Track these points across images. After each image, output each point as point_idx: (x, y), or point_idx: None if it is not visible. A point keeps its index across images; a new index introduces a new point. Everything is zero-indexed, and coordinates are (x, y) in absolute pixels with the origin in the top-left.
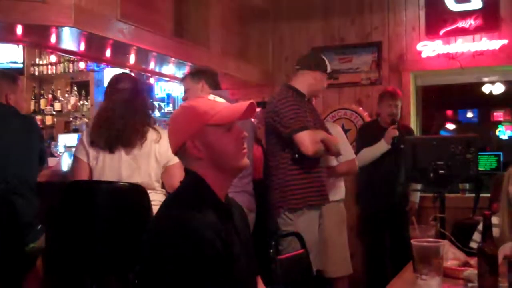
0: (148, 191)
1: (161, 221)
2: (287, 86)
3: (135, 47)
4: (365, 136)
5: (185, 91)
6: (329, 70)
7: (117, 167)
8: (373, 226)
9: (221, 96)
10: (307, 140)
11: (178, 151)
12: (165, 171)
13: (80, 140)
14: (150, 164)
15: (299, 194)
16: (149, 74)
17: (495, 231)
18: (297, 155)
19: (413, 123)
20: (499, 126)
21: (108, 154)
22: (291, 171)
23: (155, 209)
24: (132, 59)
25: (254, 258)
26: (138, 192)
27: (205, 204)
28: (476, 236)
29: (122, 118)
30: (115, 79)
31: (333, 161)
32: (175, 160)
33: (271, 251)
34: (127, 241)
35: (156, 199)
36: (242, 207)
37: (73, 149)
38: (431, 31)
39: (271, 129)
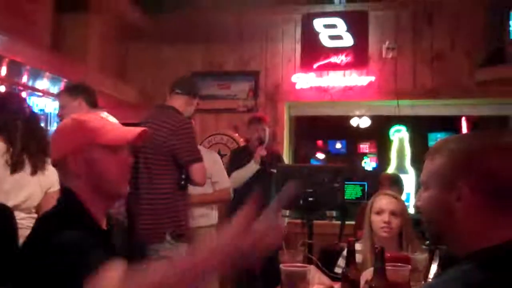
0: (26, 215)
1: (29, 241)
2: (175, 110)
3: (7, 59)
4: (236, 160)
5: (61, 107)
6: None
7: (14, 186)
8: None
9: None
10: (203, 171)
11: (57, 163)
12: (45, 196)
13: None
14: (38, 185)
15: (184, 220)
16: (21, 88)
17: (359, 257)
18: (183, 182)
19: (286, 151)
20: (364, 157)
21: (8, 172)
22: (179, 196)
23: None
24: (3, 71)
25: None
26: (3, 214)
27: (78, 225)
28: (341, 262)
29: (34, 139)
30: (7, 97)
31: (208, 188)
32: (57, 186)
33: None
34: None
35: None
36: (123, 222)
37: None
38: (305, 64)
39: (164, 151)
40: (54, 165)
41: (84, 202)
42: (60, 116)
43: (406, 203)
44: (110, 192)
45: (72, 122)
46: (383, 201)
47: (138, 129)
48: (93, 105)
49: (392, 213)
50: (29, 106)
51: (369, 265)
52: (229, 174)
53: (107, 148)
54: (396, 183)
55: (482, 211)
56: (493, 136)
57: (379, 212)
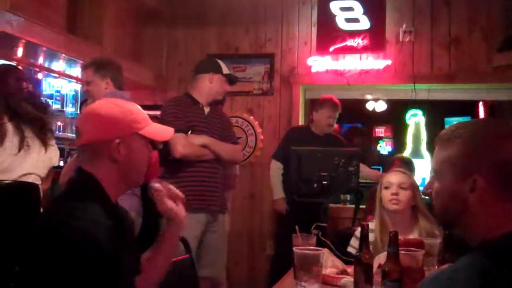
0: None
1: (48, 216)
2: (184, 93)
3: (23, 40)
4: (292, 139)
5: (87, 83)
6: (225, 72)
7: (27, 160)
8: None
9: (121, 97)
10: (177, 142)
11: (94, 144)
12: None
13: None
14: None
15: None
16: (37, 69)
17: (371, 236)
18: (170, 157)
19: None
20: (380, 141)
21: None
22: (167, 174)
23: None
24: (20, 52)
25: (139, 263)
26: (28, 190)
27: (97, 202)
28: (353, 242)
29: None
30: (7, 70)
31: None
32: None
33: None
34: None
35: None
36: (128, 213)
37: None
38: (321, 47)
39: None
40: (86, 145)
41: (104, 185)
42: (86, 91)
43: (421, 188)
44: (133, 180)
45: (117, 108)
46: (391, 176)
47: (171, 130)
48: (119, 86)
49: (400, 186)
50: (30, 79)
51: (379, 244)
52: (284, 152)
53: (145, 140)
54: (407, 164)
55: (494, 201)
56: (505, 124)
57: (387, 187)
